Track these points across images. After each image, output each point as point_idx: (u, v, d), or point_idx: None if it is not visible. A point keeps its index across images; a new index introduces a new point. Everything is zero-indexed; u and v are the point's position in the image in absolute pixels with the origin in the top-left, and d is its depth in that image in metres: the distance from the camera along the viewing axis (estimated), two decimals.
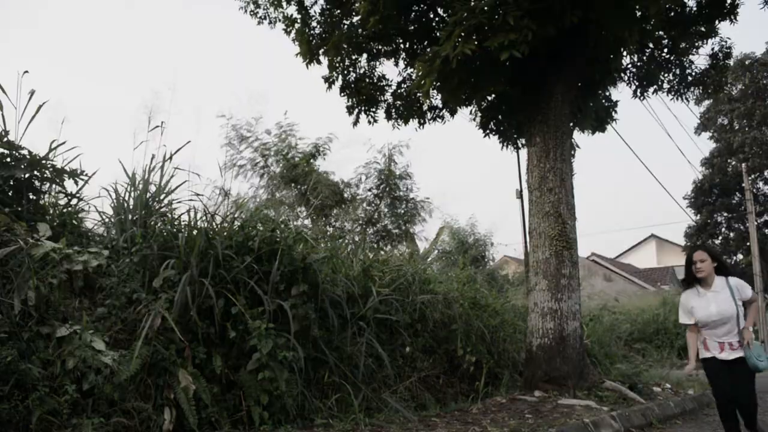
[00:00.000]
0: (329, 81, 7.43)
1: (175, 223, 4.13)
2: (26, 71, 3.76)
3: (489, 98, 7.30)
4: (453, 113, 7.87)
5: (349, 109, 7.69)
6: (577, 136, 7.75)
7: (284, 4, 7.32)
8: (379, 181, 12.00)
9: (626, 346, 10.30)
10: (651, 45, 7.30)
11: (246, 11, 7.72)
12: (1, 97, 3.72)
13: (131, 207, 4.16)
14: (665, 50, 7.42)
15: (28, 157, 3.69)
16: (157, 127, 4.39)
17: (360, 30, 6.80)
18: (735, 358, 3.61)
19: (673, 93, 7.75)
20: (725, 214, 21.14)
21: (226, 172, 10.60)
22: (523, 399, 5.17)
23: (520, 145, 8.21)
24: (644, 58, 7.46)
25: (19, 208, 3.61)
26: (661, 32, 7.00)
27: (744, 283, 3.74)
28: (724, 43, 7.33)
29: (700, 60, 8.11)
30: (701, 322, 3.74)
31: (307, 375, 3.95)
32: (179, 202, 4.40)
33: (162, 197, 4.35)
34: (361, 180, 12.10)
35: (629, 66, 7.56)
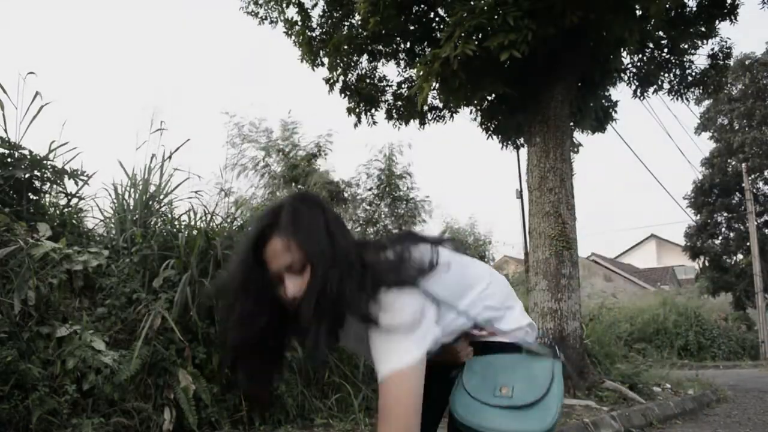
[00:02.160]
0: (330, 82, 7.44)
1: (175, 223, 4.13)
2: (30, 72, 3.77)
3: (489, 98, 7.31)
4: (453, 114, 7.87)
5: (350, 111, 7.69)
6: (577, 136, 7.73)
7: (285, 3, 7.32)
8: (379, 181, 12.01)
9: (626, 346, 10.30)
10: (651, 45, 7.29)
11: (250, 13, 7.72)
12: (3, 97, 3.72)
13: (131, 207, 4.16)
14: (665, 50, 7.41)
15: (28, 157, 3.69)
16: (159, 129, 4.38)
17: (360, 31, 6.80)
18: None
19: (673, 93, 7.75)
20: (725, 214, 21.08)
21: (228, 171, 10.65)
22: None
23: (519, 145, 8.22)
24: (644, 58, 7.46)
25: (19, 208, 3.61)
26: (661, 32, 7.00)
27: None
28: (724, 43, 7.33)
29: (700, 60, 8.12)
30: None
31: (307, 375, 3.95)
32: (180, 199, 4.41)
33: (162, 197, 4.36)
34: (362, 179, 12.12)
35: (629, 66, 7.55)
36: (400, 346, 1.14)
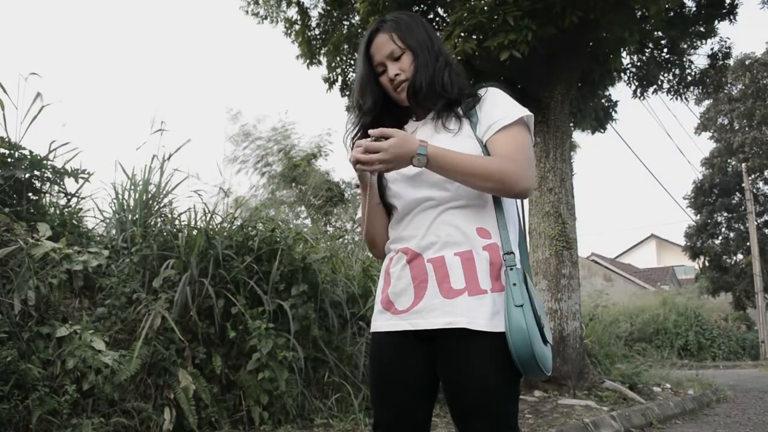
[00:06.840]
0: (329, 81, 7.44)
1: (175, 222, 4.13)
2: (32, 73, 3.77)
3: None
4: None
5: (349, 109, 7.69)
6: (577, 136, 7.74)
7: (284, 3, 7.33)
8: None
9: (626, 346, 10.30)
10: (651, 45, 7.29)
11: (248, 13, 7.72)
12: (3, 97, 3.72)
13: (131, 207, 4.16)
14: (665, 50, 7.41)
15: (28, 157, 3.69)
16: (159, 130, 4.38)
17: (360, 30, 6.80)
18: (442, 328, 1.26)
19: (673, 93, 7.75)
20: (725, 214, 21.09)
21: (228, 168, 10.66)
22: (523, 399, 5.18)
23: None
24: (644, 58, 7.46)
25: (19, 208, 3.61)
26: (660, 32, 7.00)
27: (504, 101, 1.46)
28: (723, 43, 7.33)
29: (699, 60, 8.11)
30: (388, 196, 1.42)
31: (307, 375, 3.95)
32: (180, 199, 4.41)
33: (162, 197, 4.35)
34: None
35: (629, 66, 7.55)
36: (515, 105, 1.45)
